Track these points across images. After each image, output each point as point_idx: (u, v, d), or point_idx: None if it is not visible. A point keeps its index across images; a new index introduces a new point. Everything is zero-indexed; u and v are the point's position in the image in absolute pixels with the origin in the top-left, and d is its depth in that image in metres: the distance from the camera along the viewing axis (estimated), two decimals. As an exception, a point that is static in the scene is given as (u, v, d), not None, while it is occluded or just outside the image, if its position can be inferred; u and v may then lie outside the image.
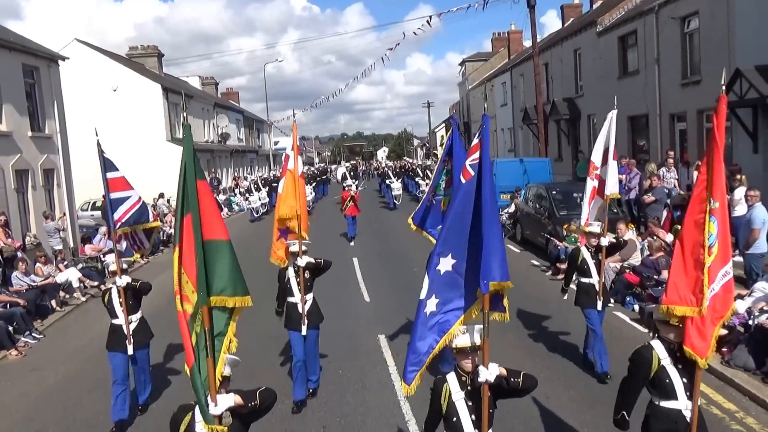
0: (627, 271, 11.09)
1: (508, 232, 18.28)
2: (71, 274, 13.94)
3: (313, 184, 33.19)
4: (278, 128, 51.55)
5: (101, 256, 15.77)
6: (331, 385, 7.96)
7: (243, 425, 4.11)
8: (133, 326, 7.30)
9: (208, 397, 3.87)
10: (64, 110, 19.38)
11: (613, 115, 8.34)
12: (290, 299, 7.49)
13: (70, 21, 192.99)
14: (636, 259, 11.41)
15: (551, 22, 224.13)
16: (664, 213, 13.40)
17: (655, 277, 10.36)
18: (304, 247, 7.38)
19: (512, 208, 18.86)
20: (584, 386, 7.59)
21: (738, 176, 11.58)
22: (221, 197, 31.14)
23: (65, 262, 14.90)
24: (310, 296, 7.50)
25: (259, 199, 28.36)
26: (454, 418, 4.18)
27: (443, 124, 68.84)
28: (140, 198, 7.72)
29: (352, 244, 18.86)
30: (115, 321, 7.31)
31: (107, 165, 7.44)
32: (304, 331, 7.34)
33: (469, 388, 4.20)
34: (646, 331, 9.38)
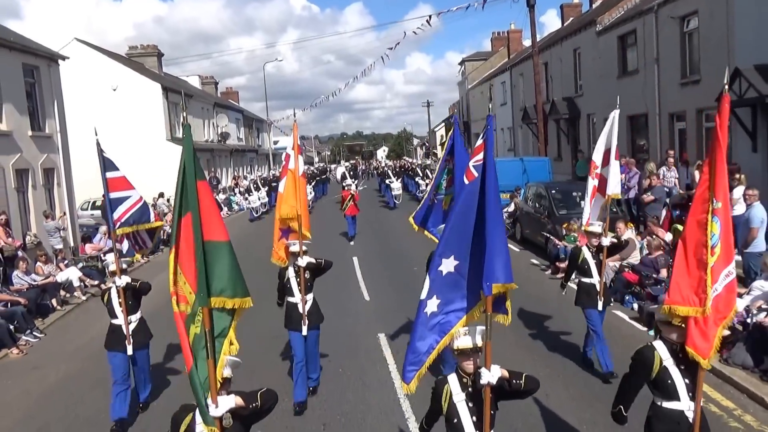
0: (626, 269, 11.12)
1: (508, 231, 18.29)
2: (72, 273, 13.98)
3: (313, 184, 33.22)
4: (278, 128, 51.62)
5: (101, 255, 15.80)
6: (332, 383, 8.00)
7: (244, 427, 4.10)
8: (132, 326, 7.27)
9: (208, 399, 3.85)
10: (64, 110, 19.41)
11: (615, 114, 8.28)
12: (290, 299, 7.46)
13: (70, 21, 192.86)
14: (635, 258, 11.44)
15: (551, 22, 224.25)
16: (663, 212, 13.43)
17: (654, 275, 10.40)
18: (304, 248, 7.36)
19: (512, 208, 18.89)
20: (583, 384, 7.63)
21: (737, 175, 11.60)
22: (221, 196, 31.18)
23: (65, 262, 14.94)
24: (310, 296, 7.48)
25: (259, 199, 28.40)
26: (455, 420, 4.17)
27: (443, 124, 68.85)
28: (141, 197, 7.68)
29: (351, 243, 18.89)
30: (114, 321, 7.28)
31: (107, 164, 7.41)
32: (304, 332, 7.33)
33: (470, 389, 4.18)
34: (644, 329, 9.43)
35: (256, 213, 27.78)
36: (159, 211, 21.91)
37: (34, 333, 11.08)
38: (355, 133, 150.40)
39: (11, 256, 13.41)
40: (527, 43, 35.27)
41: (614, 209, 13.55)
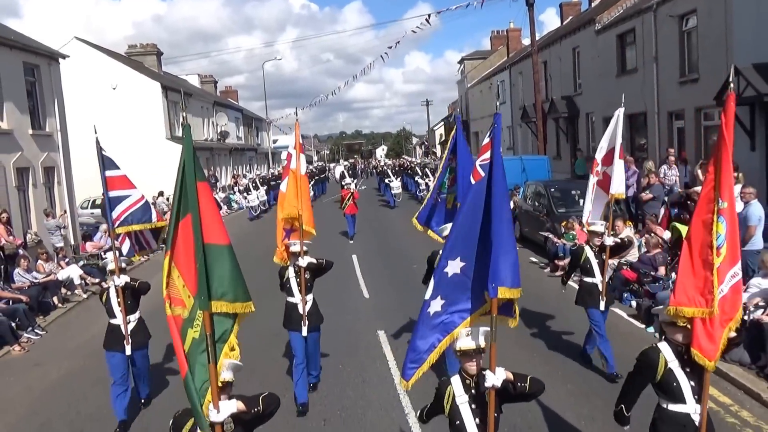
0: (624, 267, 11.18)
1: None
2: (72, 271, 14.04)
3: (312, 183, 33.25)
4: (277, 126, 51.73)
5: (102, 253, 15.84)
6: (332, 380, 8.05)
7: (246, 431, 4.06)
8: (131, 326, 7.17)
9: (204, 406, 3.77)
10: (64, 108, 19.44)
11: (620, 113, 8.17)
12: (290, 299, 7.42)
13: (69, 19, 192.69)
14: (633, 256, 11.49)
15: (550, 20, 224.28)
16: (662, 210, 13.49)
17: (652, 273, 10.46)
18: (305, 248, 7.32)
19: (511, 206, 18.90)
20: (582, 380, 7.69)
21: (735, 174, 11.66)
22: (220, 195, 31.22)
23: (66, 260, 14.99)
24: (310, 297, 7.43)
25: (258, 198, 28.42)
26: (458, 422, 4.12)
27: (442, 123, 68.86)
28: (142, 197, 7.60)
29: (351, 242, 18.94)
30: (113, 321, 7.20)
31: (107, 163, 7.33)
32: (304, 332, 7.29)
33: (473, 391, 4.13)
34: (642, 326, 9.50)
35: (255, 212, 27.82)
36: (159, 209, 21.93)
37: (35, 330, 11.14)
38: (354, 132, 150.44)
39: (12, 254, 13.46)
40: (526, 41, 35.33)
41: (613, 208, 13.60)
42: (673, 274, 9.66)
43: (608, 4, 24.06)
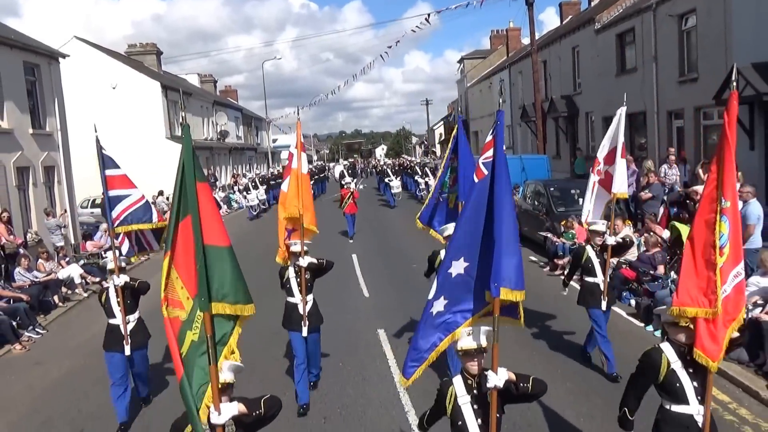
0: (623, 266, 11.21)
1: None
2: (73, 271, 14.07)
3: (311, 182, 33.18)
4: (277, 126, 51.73)
5: (102, 252, 15.88)
6: (332, 378, 8.08)
7: None
8: (130, 326, 7.12)
9: (200, 410, 3.73)
10: (64, 107, 19.47)
11: (622, 112, 8.16)
12: (290, 300, 7.39)
13: (68, 19, 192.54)
14: (632, 255, 11.51)
15: (549, 20, 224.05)
16: (661, 209, 13.53)
17: (651, 272, 10.49)
18: (305, 248, 7.29)
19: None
20: (581, 379, 7.72)
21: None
22: (220, 194, 31.24)
23: (67, 259, 15.01)
24: (310, 297, 7.40)
25: (257, 197, 28.43)
26: (459, 422, 4.09)
27: (441, 122, 68.88)
28: (143, 196, 7.56)
29: (351, 241, 18.97)
30: (112, 321, 7.15)
31: (107, 162, 7.28)
32: (304, 333, 7.26)
33: (475, 391, 4.10)
34: (642, 325, 9.53)
35: (255, 211, 27.84)
36: (159, 209, 21.96)
37: (36, 329, 11.17)
38: (353, 131, 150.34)
39: (13, 253, 13.49)
40: (526, 41, 35.39)
41: (613, 207, 13.64)
42: (672, 273, 9.71)
43: (608, 3, 24.09)
